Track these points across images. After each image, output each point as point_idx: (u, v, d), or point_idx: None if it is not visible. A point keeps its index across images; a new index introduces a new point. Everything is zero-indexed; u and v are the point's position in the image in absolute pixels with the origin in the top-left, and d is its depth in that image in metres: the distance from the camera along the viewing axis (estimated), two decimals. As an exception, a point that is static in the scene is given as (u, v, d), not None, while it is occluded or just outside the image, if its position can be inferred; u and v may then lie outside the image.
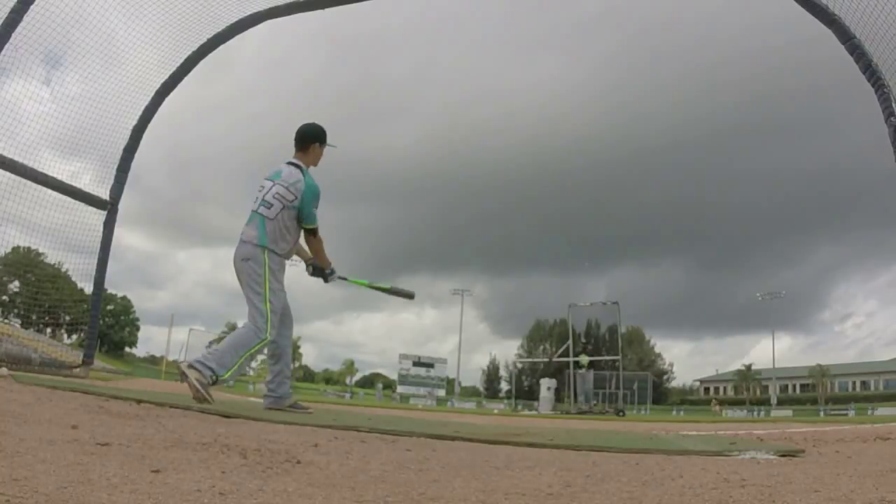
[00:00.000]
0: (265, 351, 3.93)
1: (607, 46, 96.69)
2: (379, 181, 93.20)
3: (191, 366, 3.49)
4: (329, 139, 4.08)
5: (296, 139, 4.04)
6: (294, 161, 3.99)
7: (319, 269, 4.12)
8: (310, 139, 4.02)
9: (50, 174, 5.63)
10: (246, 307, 3.87)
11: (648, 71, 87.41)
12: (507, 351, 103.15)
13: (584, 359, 19.97)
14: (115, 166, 6.37)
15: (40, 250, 6.63)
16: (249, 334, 3.69)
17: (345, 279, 4.26)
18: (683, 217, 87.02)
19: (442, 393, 46.08)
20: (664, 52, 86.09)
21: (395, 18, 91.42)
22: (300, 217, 3.87)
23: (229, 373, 3.58)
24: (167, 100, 6.52)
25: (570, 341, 21.97)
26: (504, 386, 67.34)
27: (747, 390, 62.05)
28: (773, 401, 49.66)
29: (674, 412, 41.37)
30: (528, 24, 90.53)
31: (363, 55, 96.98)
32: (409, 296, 4.59)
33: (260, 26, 6.28)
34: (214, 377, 3.50)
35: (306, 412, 3.84)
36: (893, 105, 4.43)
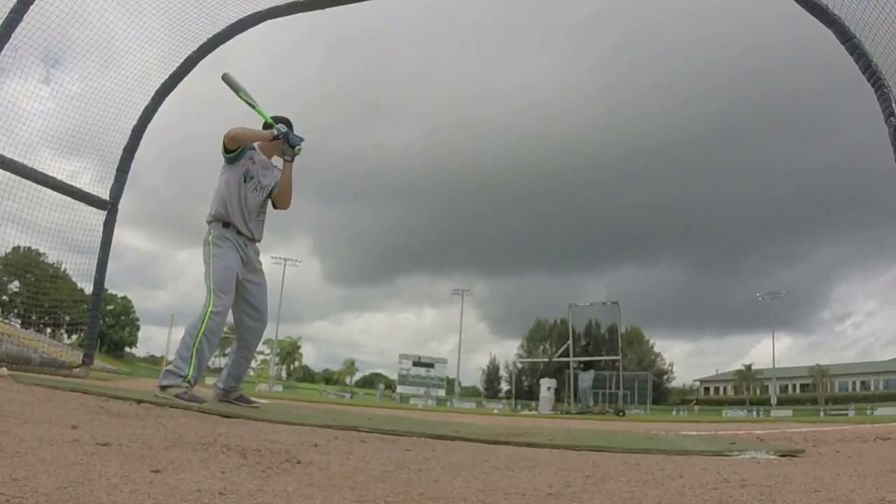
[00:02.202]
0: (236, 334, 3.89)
1: (605, 46, 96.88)
2: (378, 181, 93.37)
3: (161, 388, 3.43)
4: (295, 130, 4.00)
5: None
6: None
7: (278, 136, 3.81)
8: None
9: (49, 174, 5.62)
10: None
11: (646, 70, 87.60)
12: (507, 351, 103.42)
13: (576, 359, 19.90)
14: (115, 166, 6.37)
15: (40, 250, 6.61)
16: (195, 316, 3.56)
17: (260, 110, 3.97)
18: (683, 217, 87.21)
19: (442, 393, 46.00)
20: (662, 52, 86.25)
21: (395, 18, 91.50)
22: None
23: (191, 367, 3.45)
24: (167, 99, 6.52)
25: (570, 341, 21.95)
26: (504, 386, 67.36)
27: (747, 390, 62.08)
28: (773, 401, 49.71)
29: (674, 412, 41.36)
30: (526, 23, 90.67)
31: (362, 54, 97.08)
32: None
33: (260, 24, 6.28)
34: (186, 379, 3.44)
35: (252, 406, 3.79)
36: (893, 105, 4.42)
